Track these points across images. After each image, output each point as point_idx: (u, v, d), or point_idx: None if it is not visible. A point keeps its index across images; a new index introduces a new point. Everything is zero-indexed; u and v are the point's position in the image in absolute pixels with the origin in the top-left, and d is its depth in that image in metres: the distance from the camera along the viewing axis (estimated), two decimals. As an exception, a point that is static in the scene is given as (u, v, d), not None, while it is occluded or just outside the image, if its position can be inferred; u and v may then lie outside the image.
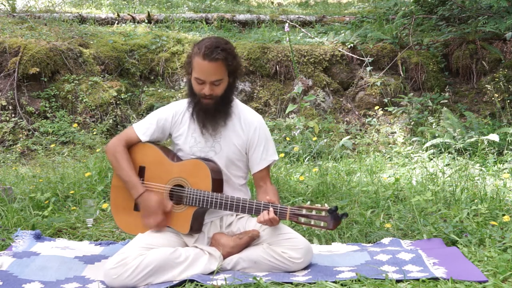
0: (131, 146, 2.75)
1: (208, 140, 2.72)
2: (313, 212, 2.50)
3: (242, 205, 2.58)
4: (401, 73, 6.75)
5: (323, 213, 2.48)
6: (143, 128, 2.75)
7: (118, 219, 2.78)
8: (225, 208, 2.59)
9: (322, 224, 2.48)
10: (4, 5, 8.34)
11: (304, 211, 2.50)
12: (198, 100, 2.66)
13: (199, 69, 2.59)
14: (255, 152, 2.74)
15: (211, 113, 2.66)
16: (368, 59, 6.80)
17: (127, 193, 2.72)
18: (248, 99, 6.69)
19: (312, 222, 2.50)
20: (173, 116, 2.77)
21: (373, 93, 6.66)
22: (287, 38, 6.53)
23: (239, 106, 2.79)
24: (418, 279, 2.41)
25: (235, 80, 2.71)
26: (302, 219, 2.51)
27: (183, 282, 2.44)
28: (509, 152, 4.72)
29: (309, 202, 2.45)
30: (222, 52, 2.57)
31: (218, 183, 2.65)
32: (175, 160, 2.72)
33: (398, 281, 2.41)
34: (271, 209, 2.52)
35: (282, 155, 4.99)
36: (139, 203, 2.67)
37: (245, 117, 2.76)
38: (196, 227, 2.67)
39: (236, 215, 2.78)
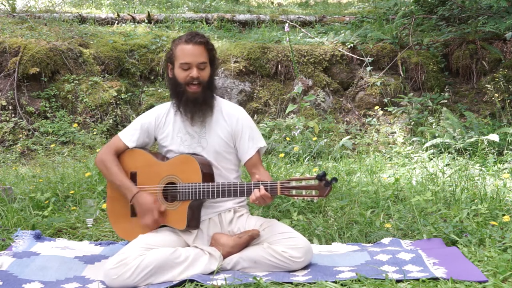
0: (120, 154, 2.77)
1: (194, 137, 2.76)
2: (303, 183, 2.51)
3: (234, 189, 2.60)
4: (401, 73, 6.75)
5: (313, 182, 2.49)
6: (129, 135, 2.79)
7: (117, 227, 2.79)
8: (218, 195, 2.61)
9: (314, 193, 2.49)
10: (4, 5, 8.34)
11: (294, 183, 2.52)
12: (184, 90, 2.69)
13: (184, 54, 2.67)
14: (242, 142, 2.78)
15: (199, 102, 2.70)
16: (368, 59, 6.80)
17: (123, 201, 2.74)
18: (248, 99, 6.69)
19: (304, 192, 2.51)
20: (155, 118, 2.81)
21: (373, 93, 6.67)
22: (287, 38, 6.53)
23: (219, 101, 2.85)
24: (418, 279, 2.41)
25: (214, 71, 2.78)
26: (294, 191, 2.52)
27: (183, 282, 2.44)
28: (509, 152, 4.72)
29: (298, 174, 2.45)
30: (203, 37, 2.71)
31: (208, 175, 2.68)
32: (164, 160, 2.75)
33: (398, 281, 2.41)
34: (261, 186, 2.53)
35: (282, 155, 4.99)
36: (134, 204, 2.68)
37: (226, 110, 2.81)
38: (193, 222, 2.68)
39: (235, 212, 2.79)
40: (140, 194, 2.66)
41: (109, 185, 2.81)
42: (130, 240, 2.74)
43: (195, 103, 2.69)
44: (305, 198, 2.53)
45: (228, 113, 2.80)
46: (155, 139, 2.84)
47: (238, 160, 2.85)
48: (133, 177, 2.74)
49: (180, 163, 2.68)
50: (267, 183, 2.55)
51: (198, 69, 2.67)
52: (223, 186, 2.61)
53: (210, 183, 2.62)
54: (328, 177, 2.49)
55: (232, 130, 2.78)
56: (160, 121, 2.81)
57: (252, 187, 2.57)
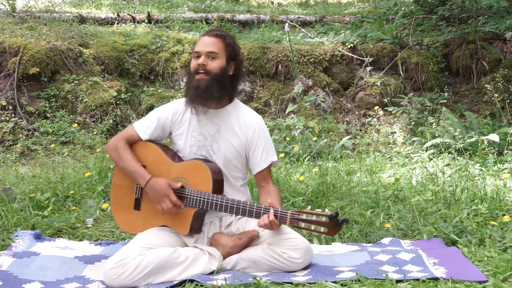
0: (132, 145, 2.74)
1: (206, 139, 2.73)
2: (314, 218, 2.49)
3: (243, 208, 2.57)
4: (401, 73, 6.75)
5: (324, 219, 2.47)
6: (144, 127, 2.75)
7: (118, 218, 2.78)
8: (225, 210, 2.59)
9: (322, 229, 2.48)
10: (4, 5, 8.34)
11: (304, 216, 2.50)
12: (192, 78, 2.69)
13: (197, 43, 2.70)
14: (255, 154, 2.75)
15: (201, 89, 2.64)
16: (368, 59, 6.80)
17: (127, 192, 2.72)
18: (248, 99, 6.69)
19: (313, 227, 2.49)
20: (173, 114, 2.77)
21: (373, 93, 6.67)
22: (287, 38, 6.53)
23: (239, 107, 2.80)
24: (418, 279, 2.41)
25: (236, 69, 2.72)
26: (302, 224, 2.50)
27: (183, 282, 2.44)
28: (509, 152, 4.72)
29: (309, 207, 2.43)
30: (221, 32, 2.71)
31: (218, 184, 2.65)
32: (175, 160, 2.72)
33: (398, 281, 2.41)
34: (271, 211, 2.51)
35: (282, 155, 4.99)
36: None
37: (244, 118, 2.76)
38: (196, 227, 2.67)
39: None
40: (153, 179, 2.62)
41: (115, 172, 2.77)
42: (130, 232, 2.73)
43: (197, 89, 2.65)
44: (312, 232, 2.52)
45: (245, 121, 2.75)
46: (170, 134, 2.81)
47: (246, 168, 2.82)
48: None
49: (192, 168, 2.65)
50: (278, 211, 2.52)
51: (206, 57, 2.65)
52: (232, 203, 2.57)
53: (219, 196, 2.59)
54: (340, 218, 2.47)
55: (247, 140, 2.74)
56: (178, 117, 2.77)
57: (262, 212, 2.54)
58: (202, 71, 2.65)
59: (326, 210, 2.57)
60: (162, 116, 2.76)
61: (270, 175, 2.81)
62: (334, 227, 2.46)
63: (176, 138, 2.77)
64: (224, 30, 2.76)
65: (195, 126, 2.74)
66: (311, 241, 3.08)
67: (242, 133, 2.74)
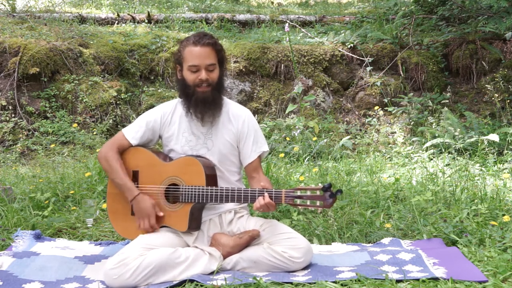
0: (123, 151, 2.75)
1: (199, 137, 2.74)
2: (308, 193, 2.51)
3: (238, 195, 2.59)
4: (401, 73, 6.75)
5: (318, 192, 2.49)
6: (133, 132, 2.76)
7: (116, 225, 2.78)
8: (221, 200, 2.60)
9: (318, 203, 2.50)
10: (4, 5, 8.33)
11: (298, 193, 2.52)
12: (193, 91, 2.68)
13: (192, 56, 2.65)
14: (246, 144, 2.77)
15: (209, 102, 2.68)
16: (368, 59, 6.80)
17: (124, 199, 2.73)
18: (248, 99, 6.68)
19: (308, 202, 2.51)
20: (161, 116, 2.79)
21: (373, 93, 6.67)
22: (287, 38, 6.53)
23: (226, 101, 2.83)
24: (418, 279, 2.41)
25: (223, 72, 2.77)
26: (298, 201, 2.52)
27: (183, 282, 2.44)
28: (509, 152, 4.72)
29: (302, 184, 2.43)
30: (211, 38, 2.69)
31: (212, 178, 2.67)
32: (167, 160, 2.74)
33: (398, 281, 2.41)
34: (266, 194, 2.53)
35: (282, 155, 4.99)
36: (133, 205, 2.67)
37: (233, 111, 2.80)
38: (194, 224, 2.68)
39: (235, 213, 2.78)
40: (141, 196, 2.65)
41: (110, 181, 2.79)
42: (129, 238, 2.74)
43: (205, 102, 2.67)
44: (309, 208, 2.53)
45: (235, 114, 2.79)
46: (160, 137, 2.82)
47: (241, 163, 2.84)
48: (135, 175, 2.73)
49: (184, 165, 2.67)
50: (272, 191, 2.55)
51: (206, 71, 2.65)
52: (226, 191, 2.60)
53: (213, 187, 2.61)
54: (333, 189, 2.48)
55: (238, 131, 2.77)
56: (166, 119, 2.78)
57: (257, 194, 2.56)
58: (205, 84, 2.66)
59: (320, 184, 2.57)
60: (151, 119, 2.78)
61: (261, 166, 2.84)
62: (329, 199, 2.47)
63: (167, 140, 2.79)
64: (207, 33, 2.73)
65: (186, 126, 2.76)
66: (311, 241, 3.09)
67: (233, 126, 2.77)
